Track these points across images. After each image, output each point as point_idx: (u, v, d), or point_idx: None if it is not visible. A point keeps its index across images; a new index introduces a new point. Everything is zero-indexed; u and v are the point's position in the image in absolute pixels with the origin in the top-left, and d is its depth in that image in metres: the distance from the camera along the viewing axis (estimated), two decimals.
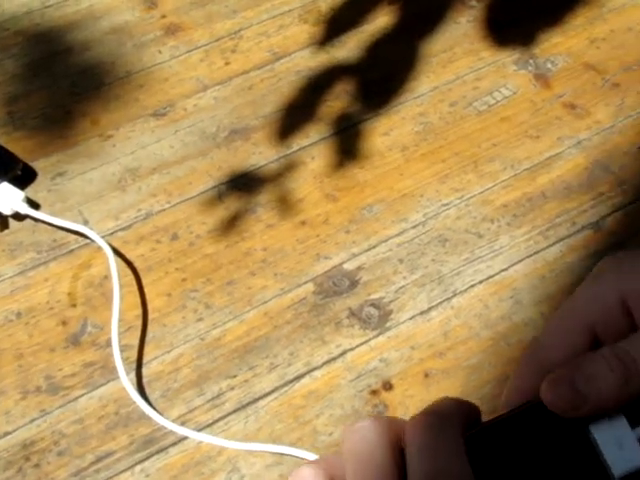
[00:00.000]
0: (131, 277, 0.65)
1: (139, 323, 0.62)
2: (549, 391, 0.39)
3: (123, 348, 0.61)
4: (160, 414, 0.57)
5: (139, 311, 0.63)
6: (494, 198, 0.69)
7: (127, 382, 0.58)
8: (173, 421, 0.58)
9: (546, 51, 0.80)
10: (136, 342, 0.61)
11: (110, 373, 0.60)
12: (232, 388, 0.59)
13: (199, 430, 0.57)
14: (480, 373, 0.61)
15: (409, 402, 0.58)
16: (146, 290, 0.64)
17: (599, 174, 0.71)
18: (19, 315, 0.62)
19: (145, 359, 0.61)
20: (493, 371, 0.61)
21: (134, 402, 0.58)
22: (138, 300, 0.63)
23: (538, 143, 0.73)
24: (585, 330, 0.41)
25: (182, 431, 0.56)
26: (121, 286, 0.64)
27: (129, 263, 0.65)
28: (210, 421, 0.58)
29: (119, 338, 0.61)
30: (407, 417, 0.36)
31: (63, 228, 0.66)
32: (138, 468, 0.56)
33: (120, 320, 0.62)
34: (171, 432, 0.57)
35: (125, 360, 0.60)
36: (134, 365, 0.60)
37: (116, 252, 0.65)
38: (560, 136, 0.74)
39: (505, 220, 0.68)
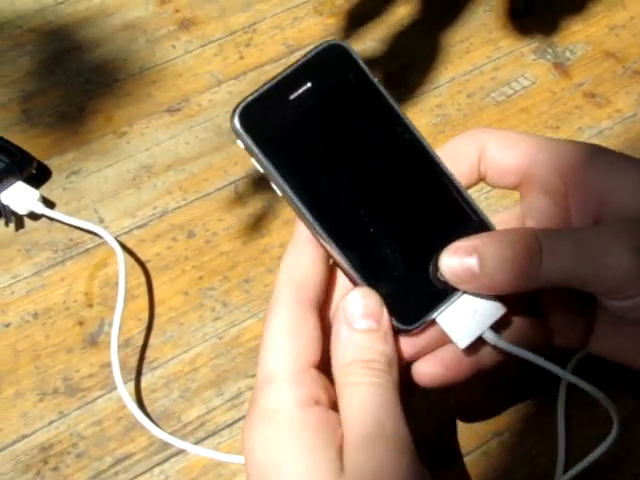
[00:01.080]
0: (148, 276, 0.64)
1: (156, 322, 0.62)
2: (444, 257, 0.41)
3: (140, 348, 0.60)
4: (178, 415, 0.57)
5: (156, 310, 0.62)
6: (514, 191, 0.68)
7: (122, 394, 0.57)
8: (192, 422, 0.57)
9: (565, 39, 0.79)
10: (154, 342, 0.61)
11: (128, 374, 0.59)
12: (251, 388, 0.58)
13: (220, 430, 0.57)
14: None
15: None
16: (163, 289, 0.63)
17: None
18: (36, 316, 0.62)
19: (163, 359, 0.60)
20: None
21: (154, 402, 0.57)
22: (155, 299, 0.63)
23: (558, 133, 0.72)
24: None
25: (180, 444, 0.56)
26: (137, 285, 0.63)
27: (146, 262, 0.65)
28: (230, 421, 0.57)
29: (136, 339, 0.60)
30: None
31: (77, 227, 0.65)
32: (157, 470, 0.55)
33: (137, 319, 0.61)
34: (190, 433, 0.57)
35: (144, 360, 0.60)
36: (153, 365, 0.60)
37: (131, 251, 0.65)
38: (580, 126, 0.72)
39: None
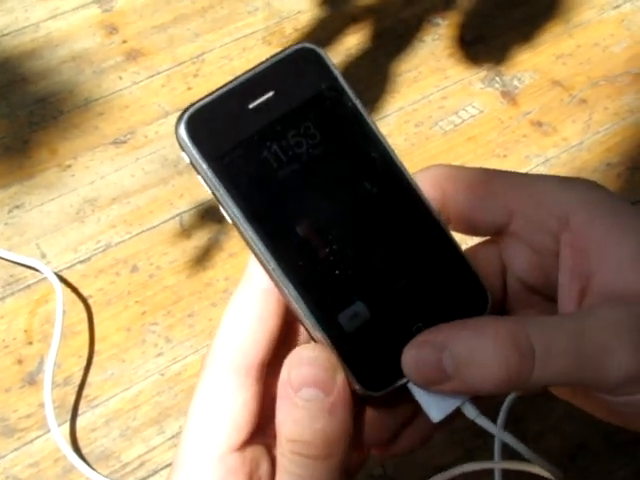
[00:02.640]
0: (90, 312, 0.63)
1: (97, 359, 0.60)
2: (409, 353, 0.33)
3: (81, 386, 0.59)
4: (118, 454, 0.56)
5: (97, 347, 0.61)
6: None
7: (61, 429, 0.56)
8: (132, 461, 0.56)
9: (512, 68, 0.79)
10: (95, 379, 0.60)
11: (67, 413, 0.58)
12: None
13: (160, 470, 0.56)
14: None
15: None
16: (105, 325, 0.62)
17: None
18: None
19: (103, 397, 0.59)
20: None
21: (92, 442, 0.56)
22: (96, 336, 0.62)
23: (506, 162, 0.72)
24: None
25: None
26: (79, 321, 0.62)
27: (88, 297, 0.64)
28: (170, 460, 0.56)
29: (76, 376, 0.59)
30: None
31: (18, 263, 0.64)
32: None
33: (78, 357, 0.60)
34: (130, 473, 0.55)
35: (84, 398, 0.59)
36: (93, 403, 0.59)
37: (73, 286, 0.64)
38: (528, 154, 0.72)
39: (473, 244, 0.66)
